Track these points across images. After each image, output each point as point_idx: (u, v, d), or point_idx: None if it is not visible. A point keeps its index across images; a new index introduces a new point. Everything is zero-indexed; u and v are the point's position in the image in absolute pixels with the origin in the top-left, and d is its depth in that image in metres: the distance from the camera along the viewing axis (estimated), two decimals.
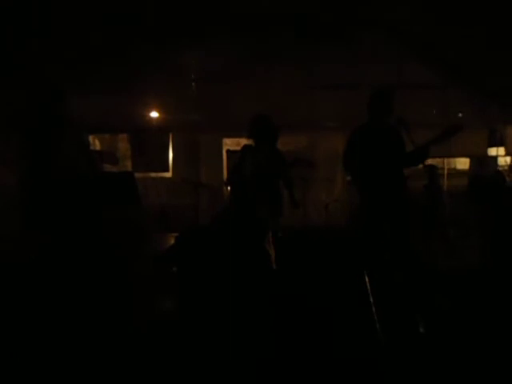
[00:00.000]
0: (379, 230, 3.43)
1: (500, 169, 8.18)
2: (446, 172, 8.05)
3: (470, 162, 8.35)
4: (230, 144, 7.92)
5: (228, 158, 7.89)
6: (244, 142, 4.32)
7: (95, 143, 7.84)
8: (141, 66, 6.96)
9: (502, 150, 8.05)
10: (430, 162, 4.22)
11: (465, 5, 5.74)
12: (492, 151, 8.29)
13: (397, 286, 3.02)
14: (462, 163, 8.78)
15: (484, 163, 8.10)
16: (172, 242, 5.54)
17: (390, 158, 3.50)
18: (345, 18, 6.54)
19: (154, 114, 7.74)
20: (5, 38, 4.81)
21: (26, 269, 3.60)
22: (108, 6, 5.35)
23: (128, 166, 7.62)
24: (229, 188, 4.89)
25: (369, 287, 2.66)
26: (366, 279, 2.67)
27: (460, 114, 7.79)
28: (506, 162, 8.15)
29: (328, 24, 6.57)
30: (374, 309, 2.60)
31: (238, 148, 4.39)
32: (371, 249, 3.26)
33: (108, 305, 3.37)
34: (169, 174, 7.87)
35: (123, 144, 7.87)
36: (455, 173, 8.56)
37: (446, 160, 8.09)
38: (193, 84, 7.57)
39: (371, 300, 2.62)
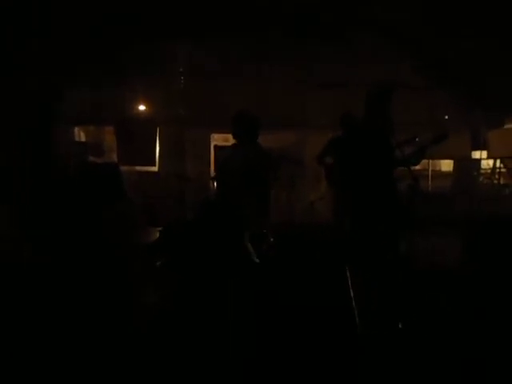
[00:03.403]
0: (370, 230, 3.48)
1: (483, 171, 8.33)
2: (430, 174, 8.17)
3: (454, 164, 8.48)
4: (218, 139, 7.91)
5: (215, 153, 7.88)
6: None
7: (80, 135, 7.75)
8: (130, 59, 6.90)
9: (484, 153, 8.19)
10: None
11: (456, 10, 5.81)
12: (475, 154, 8.44)
13: (390, 283, 3.06)
14: (447, 165, 8.91)
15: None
16: (157, 236, 5.50)
17: (382, 159, 3.55)
18: (338, 18, 6.57)
19: (142, 108, 7.68)
20: (5, 38, 4.73)
21: (23, 267, 3.57)
22: (100, 1, 5.29)
23: (114, 158, 7.55)
24: (215, 183, 4.89)
25: (350, 283, 2.69)
26: (348, 275, 2.70)
27: (446, 117, 7.91)
28: (488, 164, 8.30)
29: (323, 23, 6.60)
30: (354, 305, 2.64)
31: (226, 143, 4.42)
32: (365, 248, 3.29)
33: (97, 299, 3.35)
34: (155, 168, 7.82)
35: (110, 136, 7.78)
36: (440, 175, 8.69)
37: (430, 162, 8.20)
38: (182, 78, 7.54)
39: (352, 296, 2.66)
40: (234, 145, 4.29)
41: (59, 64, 5.27)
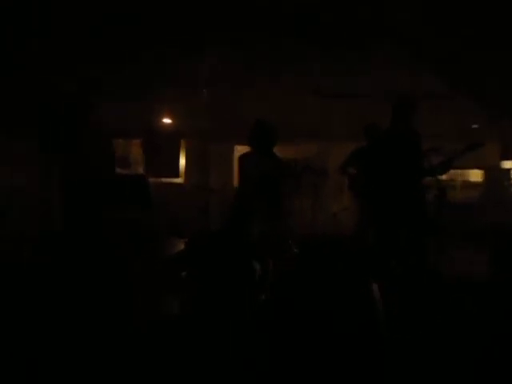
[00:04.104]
0: (389, 238, 3.43)
1: None
2: (459, 184, 7.98)
3: (484, 174, 8.27)
4: (242, 151, 7.95)
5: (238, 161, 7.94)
6: None
7: None
8: (154, 72, 7.04)
9: None
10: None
11: (479, 17, 5.70)
12: (506, 164, 8.20)
13: (404, 292, 3.01)
14: (475, 175, 8.69)
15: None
16: (181, 247, 5.57)
17: (407, 169, 3.52)
18: (359, 26, 6.52)
19: (167, 121, 7.83)
20: (21, 39, 4.89)
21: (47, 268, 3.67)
22: (121, 9, 5.42)
23: (140, 171, 7.72)
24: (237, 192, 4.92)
25: (375, 295, 2.65)
26: (373, 287, 2.66)
27: (474, 126, 7.73)
28: None
29: (340, 30, 6.57)
30: (378, 316, 2.59)
31: None
32: (378, 256, 3.26)
33: (115, 306, 3.40)
34: (180, 180, 7.94)
35: (136, 149, 7.97)
36: (469, 185, 8.47)
37: (459, 172, 8.02)
38: (204, 91, 7.64)
39: (377, 307, 2.61)
40: (250, 152, 4.32)
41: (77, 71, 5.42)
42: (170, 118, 7.77)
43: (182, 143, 7.98)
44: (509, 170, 8.14)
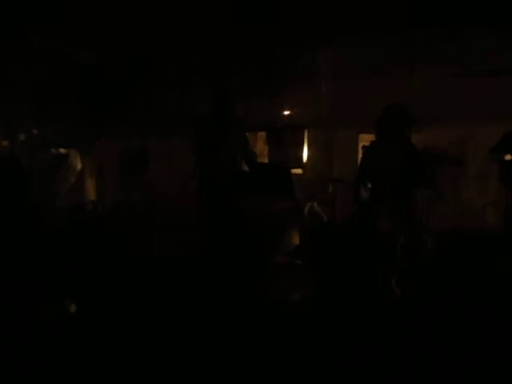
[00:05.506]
0: None
1: None
2: None
3: None
4: (367, 140, 7.67)
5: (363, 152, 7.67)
6: None
7: None
8: (278, 64, 7.14)
9: None
10: None
11: None
12: None
13: None
14: None
15: None
16: (304, 237, 5.62)
17: None
18: None
19: (290, 112, 7.92)
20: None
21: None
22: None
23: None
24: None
25: None
26: None
27: None
28: None
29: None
30: None
31: None
32: None
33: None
34: (303, 170, 8.01)
35: (260, 141, 8.26)
36: None
37: None
38: (325, 81, 7.51)
39: None
40: (378, 141, 4.08)
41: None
42: (293, 109, 7.85)
43: (306, 133, 8.01)
44: None
